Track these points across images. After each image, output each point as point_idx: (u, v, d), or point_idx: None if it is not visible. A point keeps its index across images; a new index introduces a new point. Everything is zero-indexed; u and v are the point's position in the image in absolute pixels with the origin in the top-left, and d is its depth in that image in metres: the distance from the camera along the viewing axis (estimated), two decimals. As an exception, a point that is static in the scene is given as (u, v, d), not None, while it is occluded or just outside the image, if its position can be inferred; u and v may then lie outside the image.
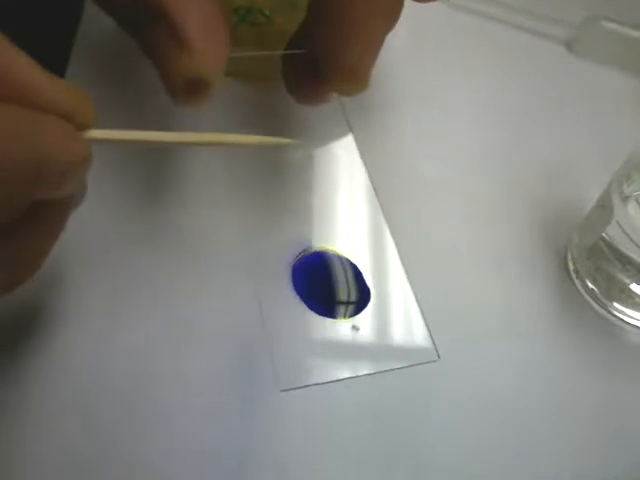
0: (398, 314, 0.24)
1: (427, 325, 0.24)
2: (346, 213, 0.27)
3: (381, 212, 0.27)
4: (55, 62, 0.35)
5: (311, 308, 0.24)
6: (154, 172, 0.30)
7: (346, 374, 0.24)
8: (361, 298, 0.24)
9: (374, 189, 0.28)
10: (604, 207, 0.28)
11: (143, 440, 0.24)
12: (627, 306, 0.29)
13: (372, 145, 0.32)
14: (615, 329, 0.29)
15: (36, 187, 0.19)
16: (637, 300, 0.29)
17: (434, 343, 0.24)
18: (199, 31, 0.23)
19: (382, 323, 0.24)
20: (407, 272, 0.28)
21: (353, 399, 0.24)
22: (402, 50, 0.35)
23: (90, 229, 0.28)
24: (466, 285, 0.30)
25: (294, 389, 0.24)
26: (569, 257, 0.31)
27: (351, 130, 0.29)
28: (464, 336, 0.28)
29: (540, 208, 0.33)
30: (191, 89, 0.23)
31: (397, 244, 0.28)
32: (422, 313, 0.24)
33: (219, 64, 0.23)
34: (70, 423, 0.25)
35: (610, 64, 0.38)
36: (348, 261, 0.25)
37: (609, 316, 0.29)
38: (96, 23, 0.38)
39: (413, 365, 0.24)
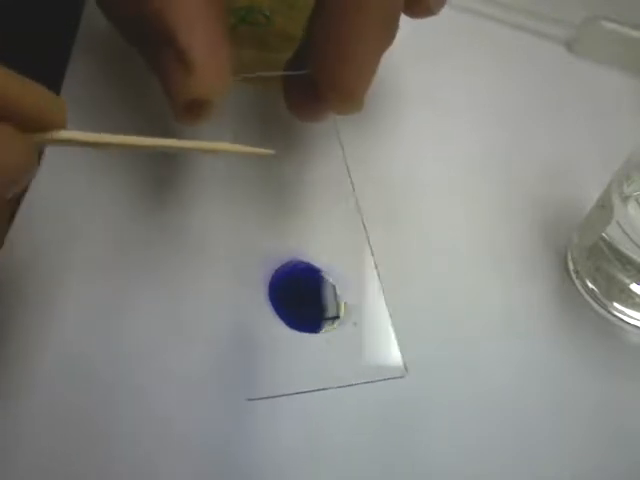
0: (371, 329, 0.24)
1: (397, 340, 0.24)
2: (327, 226, 0.27)
3: (362, 223, 0.27)
4: (55, 61, 0.36)
5: (285, 321, 0.24)
6: (149, 175, 0.30)
7: (316, 386, 0.23)
8: (335, 313, 0.24)
9: (357, 202, 0.28)
10: (604, 207, 0.28)
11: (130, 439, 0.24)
12: (627, 306, 0.29)
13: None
14: (615, 329, 0.29)
15: None
16: (637, 300, 0.29)
17: (403, 359, 0.24)
18: (205, 55, 0.23)
19: (355, 337, 0.24)
20: (391, 283, 0.27)
21: (339, 409, 0.25)
22: (401, 50, 0.35)
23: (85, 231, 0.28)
24: (466, 285, 0.30)
25: (261, 399, 0.24)
26: (569, 257, 0.31)
27: (341, 145, 0.29)
28: (464, 336, 0.29)
29: (540, 208, 0.33)
30: (194, 109, 0.24)
31: (381, 255, 0.28)
32: (394, 328, 0.24)
33: (223, 86, 0.24)
34: (64, 423, 0.25)
35: (610, 64, 0.38)
36: (324, 276, 0.25)
37: (609, 316, 0.29)
38: (96, 22, 0.38)
39: (381, 380, 0.24)
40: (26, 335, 0.27)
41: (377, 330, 0.24)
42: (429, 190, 0.33)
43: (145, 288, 0.27)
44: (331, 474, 0.24)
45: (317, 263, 0.25)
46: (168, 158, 0.31)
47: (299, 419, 0.24)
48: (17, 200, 0.23)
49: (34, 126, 0.21)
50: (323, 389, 0.23)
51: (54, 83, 0.34)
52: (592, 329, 0.29)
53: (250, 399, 0.23)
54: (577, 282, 0.30)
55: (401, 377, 0.23)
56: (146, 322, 0.26)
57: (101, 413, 0.24)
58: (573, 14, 0.39)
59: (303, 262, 0.25)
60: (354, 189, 0.29)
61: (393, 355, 0.23)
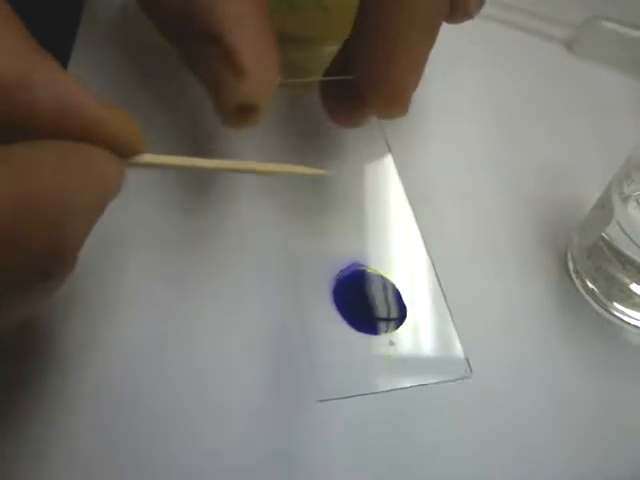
0: (432, 330, 0.25)
1: (461, 342, 0.24)
2: (382, 230, 0.27)
3: (416, 226, 0.27)
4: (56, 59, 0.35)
5: (349, 323, 0.24)
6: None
7: (382, 387, 0.24)
8: (399, 315, 0.24)
9: (410, 205, 0.28)
10: (604, 207, 0.28)
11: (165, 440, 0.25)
12: (627, 306, 0.29)
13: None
14: (615, 329, 0.29)
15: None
16: (637, 300, 0.28)
17: (467, 359, 0.24)
18: (254, 57, 0.23)
19: (417, 339, 0.24)
20: (444, 286, 0.28)
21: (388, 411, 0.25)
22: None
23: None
24: (466, 285, 0.30)
25: (331, 400, 0.24)
26: (569, 257, 0.31)
27: (389, 149, 0.29)
28: (464, 336, 0.28)
29: (540, 208, 0.33)
30: (242, 114, 0.23)
31: (433, 260, 0.28)
32: (457, 331, 0.25)
33: (271, 90, 0.24)
34: (85, 423, 0.25)
35: (610, 64, 0.38)
36: (386, 278, 0.25)
37: (609, 316, 0.29)
38: (96, 22, 0.38)
39: (446, 381, 0.24)
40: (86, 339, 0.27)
41: (439, 331, 0.24)
42: (429, 190, 0.33)
43: (209, 296, 0.28)
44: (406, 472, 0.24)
45: (377, 266, 0.26)
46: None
47: (358, 422, 0.24)
48: None
49: (122, 150, 0.21)
50: (391, 390, 0.23)
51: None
52: (592, 329, 0.29)
53: (322, 400, 0.23)
54: (577, 282, 0.30)
55: (467, 377, 0.23)
56: (212, 332, 0.27)
57: (170, 426, 0.25)
58: (573, 14, 0.39)
59: (364, 265, 0.25)
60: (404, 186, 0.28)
61: (456, 356, 0.23)
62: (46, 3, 0.38)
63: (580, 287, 0.30)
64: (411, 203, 0.32)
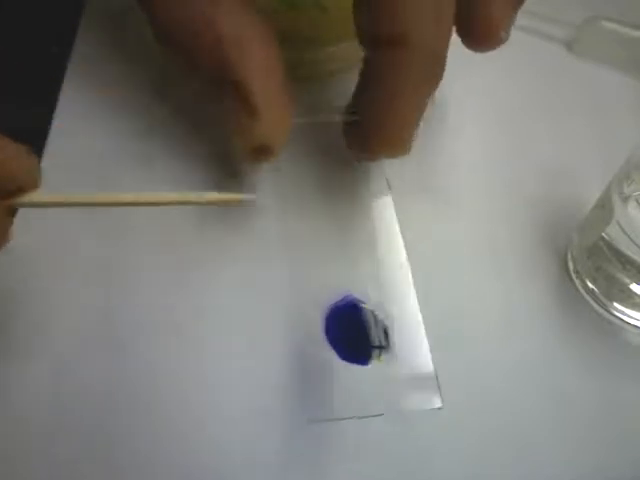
0: (413, 363, 0.26)
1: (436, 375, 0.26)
2: (375, 265, 0.29)
3: (408, 264, 0.28)
4: (55, 62, 0.35)
5: (338, 351, 0.26)
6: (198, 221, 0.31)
7: (359, 413, 0.25)
8: (385, 347, 0.26)
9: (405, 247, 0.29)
10: (604, 207, 0.28)
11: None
12: (627, 306, 0.29)
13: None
14: (615, 329, 0.29)
15: None
16: (637, 300, 0.28)
17: (440, 390, 0.25)
18: (270, 103, 0.26)
19: (398, 371, 0.26)
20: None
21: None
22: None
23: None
24: (466, 285, 0.30)
25: (321, 421, 0.26)
26: (569, 257, 0.31)
27: (390, 187, 0.31)
28: (464, 336, 0.28)
29: (540, 208, 0.33)
30: (258, 152, 0.26)
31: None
32: (435, 368, 0.26)
33: (285, 133, 0.26)
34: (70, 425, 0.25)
35: (610, 64, 0.38)
36: (375, 312, 0.27)
37: (609, 316, 0.29)
38: (96, 22, 0.38)
39: (419, 410, 0.25)
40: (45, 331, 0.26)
41: (419, 365, 0.26)
42: (429, 190, 0.33)
43: (207, 321, 0.28)
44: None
45: (369, 299, 0.27)
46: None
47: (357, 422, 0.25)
48: None
49: (7, 190, 0.21)
50: (367, 416, 0.25)
51: (54, 84, 0.34)
52: (592, 329, 0.29)
53: (311, 420, 0.25)
54: (577, 282, 0.30)
55: (438, 408, 0.25)
56: (208, 354, 0.28)
57: (162, 443, 0.26)
58: (573, 14, 0.39)
59: (355, 299, 0.27)
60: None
61: (432, 388, 0.25)
62: (46, 4, 0.39)
63: (580, 287, 0.30)
64: (412, 202, 0.32)
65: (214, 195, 0.25)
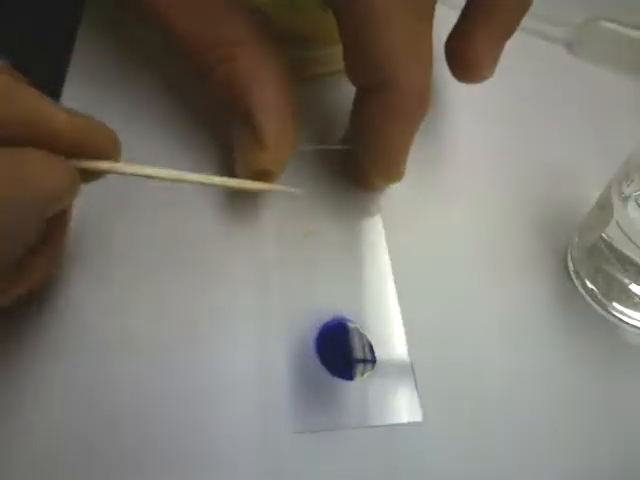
0: (396, 380, 0.28)
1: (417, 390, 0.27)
2: (363, 287, 0.30)
3: (395, 289, 0.30)
4: (55, 62, 0.36)
5: (327, 367, 0.28)
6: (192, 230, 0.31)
7: (347, 425, 0.27)
8: (370, 365, 0.28)
9: (391, 270, 0.30)
10: (604, 207, 0.28)
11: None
12: (627, 306, 0.29)
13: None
14: (615, 329, 0.29)
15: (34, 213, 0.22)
16: (637, 300, 0.29)
17: (420, 405, 0.27)
18: (276, 135, 0.27)
19: (382, 387, 0.27)
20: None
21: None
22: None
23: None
24: (466, 285, 0.30)
25: (308, 432, 0.26)
26: (569, 257, 0.31)
27: (379, 210, 0.32)
28: (464, 336, 0.29)
29: (540, 208, 0.33)
30: (258, 175, 0.28)
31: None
32: (416, 382, 0.27)
33: (287, 160, 0.28)
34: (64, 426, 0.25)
35: (610, 64, 0.38)
36: (363, 333, 0.29)
37: (609, 316, 0.29)
38: (96, 22, 0.38)
39: (399, 425, 0.27)
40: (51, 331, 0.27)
41: (400, 382, 0.27)
42: (429, 190, 0.33)
43: (202, 333, 0.29)
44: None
45: (355, 319, 0.29)
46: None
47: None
48: (65, 221, 0.25)
49: (83, 153, 0.23)
50: (356, 427, 0.26)
51: (55, 83, 0.35)
52: (592, 329, 0.29)
53: (298, 432, 0.26)
54: (577, 282, 0.30)
55: (419, 422, 0.27)
56: (202, 368, 0.28)
57: (153, 452, 0.26)
58: (573, 14, 0.39)
59: (345, 319, 0.29)
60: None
61: (414, 403, 0.27)
62: (46, 4, 0.39)
63: (580, 287, 0.30)
64: (412, 205, 0.32)
65: (266, 185, 0.28)
